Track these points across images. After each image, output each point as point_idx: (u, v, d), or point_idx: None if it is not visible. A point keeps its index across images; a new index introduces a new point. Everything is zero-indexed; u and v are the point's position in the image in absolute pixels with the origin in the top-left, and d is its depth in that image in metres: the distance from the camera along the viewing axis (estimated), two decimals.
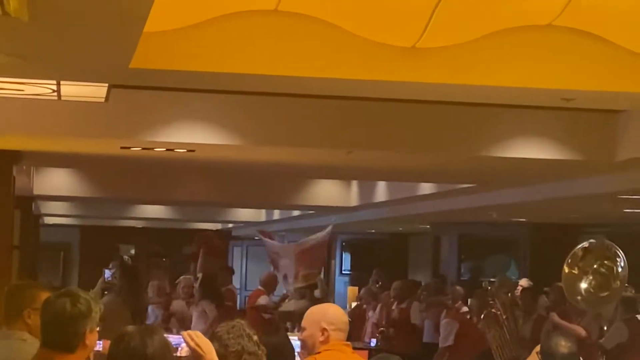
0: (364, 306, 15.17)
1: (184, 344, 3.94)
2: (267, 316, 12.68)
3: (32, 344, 4.31)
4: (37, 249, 16.92)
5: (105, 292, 11.65)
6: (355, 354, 5.00)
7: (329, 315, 5.03)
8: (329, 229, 14.55)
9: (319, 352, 4.95)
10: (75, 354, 4.03)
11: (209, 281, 12.66)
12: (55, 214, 20.04)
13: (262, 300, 12.96)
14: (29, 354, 4.14)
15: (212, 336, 4.09)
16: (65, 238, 25.98)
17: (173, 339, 4.03)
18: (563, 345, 5.41)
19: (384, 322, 13.88)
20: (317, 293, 13.82)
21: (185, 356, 4.01)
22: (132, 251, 26.77)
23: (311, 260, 14.22)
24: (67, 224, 24.32)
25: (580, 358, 5.48)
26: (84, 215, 20.95)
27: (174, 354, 3.68)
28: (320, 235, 14.59)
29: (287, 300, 13.78)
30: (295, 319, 12.89)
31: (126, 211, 19.59)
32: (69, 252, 26.60)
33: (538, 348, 5.50)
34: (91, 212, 19.97)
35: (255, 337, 4.15)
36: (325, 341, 4.92)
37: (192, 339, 3.90)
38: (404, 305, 13.57)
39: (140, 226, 24.65)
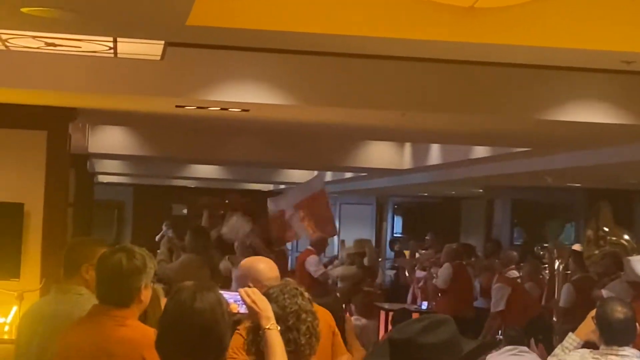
0: (415, 269, 15.16)
1: (240, 301, 3.93)
2: (317, 275, 12.69)
3: (89, 298, 4.36)
4: (91, 207, 17.04)
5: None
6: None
7: (255, 271, 4.95)
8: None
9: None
10: (130, 309, 4.08)
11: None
12: (110, 173, 20.19)
13: (311, 260, 12.98)
14: (86, 309, 4.18)
15: (267, 297, 4.06)
16: (120, 196, 26.20)
17: (230, 295, 4.02)
18: (619, 311, 5.35)
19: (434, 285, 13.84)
20: (365, 261, 13.80)
21: (241, 313, 3.98)
22: (185, 211, 26.92)
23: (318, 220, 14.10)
24: (122, 183, 24.51)
25: (637, 324, 5.41)
26: (138, 174, 21.09)
27: (229, 312, 3.68)
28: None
29: (335, 263, 13.80)
30: (340, 283, 12.95)
31: (179, 171, 19.70)
32: (122, 210, 26.83)
33: (593, 313, 5.45)
34: (145, 171, 20.11)
35: (307, 295, 4.14)
36: None
37: (249, 296, 3.91)
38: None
39: (192, 186, 24.76)
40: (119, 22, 5.18)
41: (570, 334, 5.54)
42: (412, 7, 5.30)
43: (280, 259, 13.00)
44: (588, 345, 5.49)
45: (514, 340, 8.13)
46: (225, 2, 5.10)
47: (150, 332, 4.07)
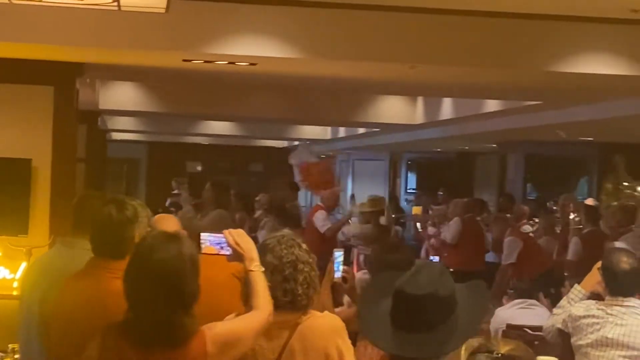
0: (428, 224, 15.11)
1: (225, 243, 3.92)
2: (323, 230, 12.63)
3: None
4: (104, 163, 17.07)
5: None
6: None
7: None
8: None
9: None
10: (126, 260, 4.05)
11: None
12: (123, 130, 20.19)
13: (319, 215, 12.92)
14: None
15: (263, 248, 4.05)
16: (134, 153, 26.22)
17: (215, 238, 4.01)
18: (624, 261, 5.32)
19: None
20: (382, 220, 13.70)
21: (224, 254, 3.95)
22: (199, 168, 26.96)
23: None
24: (135, 140, 24.53)
25: None
26: (150, 131, 21.09)
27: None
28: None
29: (350, 221, 13.70)
30: (355, 242, 12.89)
31: (193, 127, 19.68)
32: (136, 167, 26.86)
33: (599, 264, 5.42)
34: (158, 129, 20.11)
35: (304, 246, 4.12)
36: None
37: (232, 237, 3.90)
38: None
39: (206, 143, 24.75)
40: None
41: (575, 285, 5.53)
42: None
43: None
44: (594, 297, 5.46)
45: (524, 293, 8.12)
46: None
47: None
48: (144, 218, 4.10)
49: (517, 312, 7.89)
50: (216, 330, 3.59)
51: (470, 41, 7.66)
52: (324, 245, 12.30)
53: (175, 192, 18.39)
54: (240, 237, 3.93)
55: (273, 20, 7.45)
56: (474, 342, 2.89)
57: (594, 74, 7.83)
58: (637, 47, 7.70)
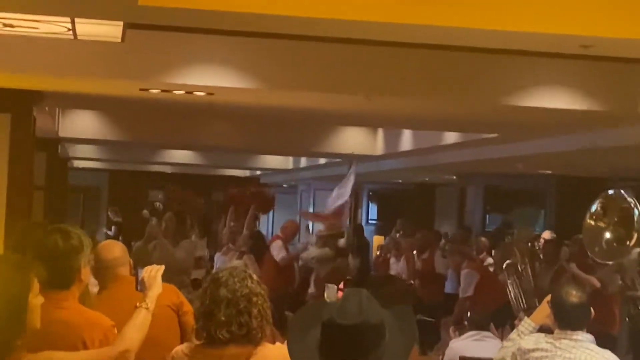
0: (388, 255, 15.16)
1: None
2: (279, 259, 12.65)
3: None
4: (64, 191, 16.97)
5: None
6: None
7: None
8: (351, 174, 14.37)
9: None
10: (70, 290, 4.03)
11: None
12: (84, 158, 20.10)
13: (275, 245, 12.93)
14: None
15: (216, 281, 4.04)
16: (95, 182, 26.07)
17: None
18: (573, 295, 5.36)
19: (406, 273, 13.89)
20: (341, 242, 13.75)
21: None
22: (160, 196, 26.84)
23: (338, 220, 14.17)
24: (96, 168, 24.40)
25: (591, 308, 5.42)
26: (112, 160, 21.00)
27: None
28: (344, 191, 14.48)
29: (309, 247, 13.74)
30: (314, 266, 12.92)
31: (155, 156, 19.64)
32: (98, 195, 26.70)
33: (549, 297, 5.46)
34: (120, 156, 20.03)
35: (255, 277, 4.12)
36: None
37: (148, 273, 4.24)
38: (425, 256, 13.58)
39: (169, 172, 24.68)
40: (73, 0, 5.13)
41: (525, 318, 5.56)
42: None
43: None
44: (543, 330, 5.50)
45: (478, 325, 8.14)
46: None
47: (90, 314, 4.06)
48: (87, 247, 4.09)
49: (471, 344, 7.91)
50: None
51: (425, 73, 7.73)
52: (280, 273, 12.36)
53: (116, 219, 18.46)
54: (155, 274, 4.18)
55: (230, 50, 7.48)
56: None
57: (547, 108, 7.92)
58: (589, 82, 7.80)
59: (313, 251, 13.01)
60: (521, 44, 6.30)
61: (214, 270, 12.30)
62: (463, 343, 7.92)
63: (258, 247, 12.86)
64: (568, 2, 5.37)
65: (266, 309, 4.07)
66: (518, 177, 16.91)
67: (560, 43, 6.03)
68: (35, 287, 3.51)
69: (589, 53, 6.07)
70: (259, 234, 13.66)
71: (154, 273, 4.18)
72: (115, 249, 5.08)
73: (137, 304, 4.06)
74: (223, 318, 3.94)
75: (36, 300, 3.50)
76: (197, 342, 4.07)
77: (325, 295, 7.01)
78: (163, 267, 4.21)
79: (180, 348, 4.14)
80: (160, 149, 18.62)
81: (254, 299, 4.02)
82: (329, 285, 7.42)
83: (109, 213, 17.68)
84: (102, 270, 5.00)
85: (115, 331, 4.10)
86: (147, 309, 4.08)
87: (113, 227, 20.65)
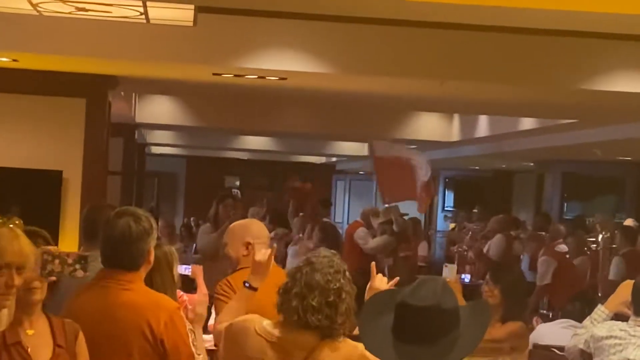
0: (463, 244, 15.04)
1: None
2: (366, 247, 12.57)
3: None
4: (141, 177, 17.13)
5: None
6: (274, 265, 5.13)
7: (252, 230, 5.48)
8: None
9: (237, 270, 5.37)
10: (138, 272, 4.04)
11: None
12: (161, 144, 20.25)
13: (360, 232, 12.86)
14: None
15: (312, 265, 3.95)
16: (172, 168, 26.26)
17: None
18: None
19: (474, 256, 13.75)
20: (394, 227, 13.54)
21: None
22: (237, 183, 26.98)
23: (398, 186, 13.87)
24: (174, 154, 24.58)
25: None
26: (189, 145, 21.14)
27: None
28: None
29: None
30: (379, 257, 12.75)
31: (231, 142, 19.71)
32: (175, 181, 26.90)
33: (624, 284, 5.33)
34: (196, 143, 20.14)
35: (348, 274, 4.04)
36: (249, 255, 5.27)
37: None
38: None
39: (245, 158, 24.78)
40: None
41: (599, 305, 5.44)
42: None
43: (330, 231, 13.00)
44: (618, 317, 5.37)
45: (570, 314, 8.04)
46: None
47: (156, 296, 4.05)
48: (155, 230, 4.09)
49: (558, 330, 7.77)
50: None
51: (501, 57, 7.60)
52: (364, 261, 12.24)
53: None
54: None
55: (303, 34, 7.44)
56: None
57: (628, 92, 7.74)
58: None
59: (373, 241, 12.75)
60: (601, 26, 6.16)
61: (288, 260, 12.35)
62: (550, 328, 7.81)
63: (328, 238, 12.72)
64: None
65: (351, 309, 3.99)
66: (597, 163, 16.63)
67: None
68: None
69: None
70: (327, 225, 13.50)
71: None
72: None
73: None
74: (314, 304, 3.88)
75: None
76: (280, 320, 3.98)
77: (444, 275, 7.00)
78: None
79: (257, 319, 4.04)
80: (236, 134, 18.67)
81: (344, 295, 3.95)
82: (449, 265, 7.46)
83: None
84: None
85: (181, 313, 4.08)
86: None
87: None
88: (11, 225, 3.48)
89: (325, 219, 13.78)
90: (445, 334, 3.02)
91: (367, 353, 3.69)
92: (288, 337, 3.92)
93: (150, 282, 4.19)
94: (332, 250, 4.14)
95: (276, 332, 3.94)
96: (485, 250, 13.67)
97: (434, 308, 3.03)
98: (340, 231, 17.75)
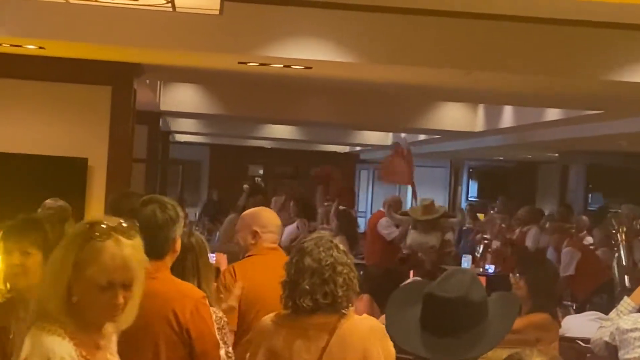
0: (486, 233, 15.00)
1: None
2: (391, 238, 12.56)
3: None
4: (165, 165, 17.18)
5: None
6: (280, 253, 5.35)
7: (260, 219, 5.53)
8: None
9: (245, 257, 5.46)
10: (163, 260, 4.05)
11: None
12: (184, 132, 20.29)
13: (383, 222, 12.85)
14: None
15: (301, 250, 4.07)
16: (196, 155, 26.31)
17: None
18: None
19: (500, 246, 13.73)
20: (448, 235, 13.39)
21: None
22: (261, 171, 27.01)
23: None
24: (197, 142, 24.64)
25: None
26: (213, 134, 21.17)
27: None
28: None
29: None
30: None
31: (255, 131, 19.72)
32: (198, 169, 26.96)
33: None
34: (220, 131, 20.16)
35: (342, 247, 4.13)
36: (256, 243, 5.41)
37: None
38: (525, 230, 13.41)
39: (269, 146, 24.80)
40: None
41: (625, 297, 5.43)
42: None
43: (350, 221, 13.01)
44: None
45: (597, 306, 8.04)
46: None
47: (182, 285, 4.06)
48: (182, 218, 4.10)
49: (586, 323, 7.76)
50: None
51: (527, 48, 7.57)
52: (388, 251, 12.23)
53: None
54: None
55: (329, 23, 7.43)
56: (503, 353, 2.85)
57: None
58: None
59: (416, 237, 12.50)
60: (628, 17, 6.14)
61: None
62: (578, 320, 7.79)
63: (344, 225, 12.69)
64: None
65: (352, 279, 4.10)
66: (621, 155, 16.56)
67: None
68: None
69: None
70: (343, 212, 13.47)
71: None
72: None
73: None
74: (307, 287, 3.99)
75: None
76: (285, 312, 4.09)
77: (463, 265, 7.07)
78: None
79: (269, 317, 4.16)
80: (260, 123, 18.68)
81: (339, 267, 4.05)
82: (466, 255, 7.48)
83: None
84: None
85: (207, 302, 4.10)
86: None
87: None
88: (118, 235, 3.02)
89: (342, 207, 13.77)
90: (472, 326, 3.03)
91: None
92: (303, 323, 4.01)
93: (181, 270, 4.21)
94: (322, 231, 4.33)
95: (285, 324, 4.02)
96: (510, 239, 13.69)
97: (461, 300, 3.04)
98: (364, 220, 17.81)
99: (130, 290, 3.02)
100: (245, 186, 17.95)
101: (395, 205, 13.42)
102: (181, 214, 4.08)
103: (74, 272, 2.94)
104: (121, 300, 2.99)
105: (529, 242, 13.29)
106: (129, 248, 3.00)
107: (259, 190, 14.35)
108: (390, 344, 4.04)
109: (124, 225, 3.03)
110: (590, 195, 18.50)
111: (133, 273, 3.00)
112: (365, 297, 7.37)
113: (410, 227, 12.10)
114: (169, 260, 4.07)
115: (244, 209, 11.00)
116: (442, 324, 3.05)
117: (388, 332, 3.20)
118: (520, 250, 13.03)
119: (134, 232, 3.06)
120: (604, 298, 8.30)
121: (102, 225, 2.99)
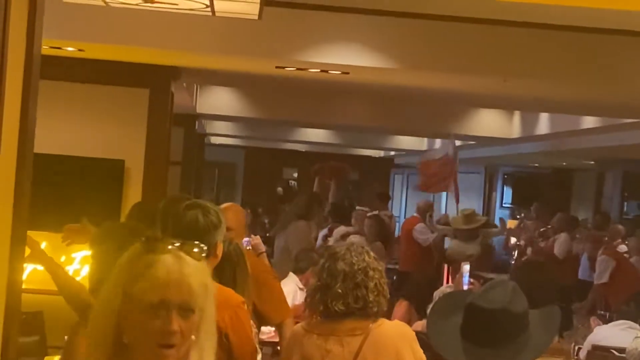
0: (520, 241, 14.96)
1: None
2: (427, 244, 12.54)
3: None
4: (200, 167, 17.25)
5: None
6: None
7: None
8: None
9: None
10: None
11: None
12: (220, 134, 20.38)
13: (419, 228, 12.85)
14: None
15: (333, 256, 4.08)
16: (231, 158, 26.40)
17: None
18: None
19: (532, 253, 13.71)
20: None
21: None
22: (295, 174, 27.06)
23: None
24: (233, 145, 24.72)
25: None
26: (248, 136, 21.24)
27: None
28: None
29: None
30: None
31: (290, 134, 19.78)
32: (233, 171, 27.04)
33: None
34: (255, 134, 20.24)
35: (372, 253, 4.16)
36: None
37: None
38: (557, 237, 13.37)
39: (303, 150, 24.84)
40: None
41: None
42: None
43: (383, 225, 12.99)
44: None
45: (626, 315, 7.97)
46: None
47: (221, 290, 4.07)
48: (224, 223, 4.11)
49: (617, 332, 7.72)
50: None
51: (565, 56, 7.55)
52: (424, 256, 12.21)
53: None
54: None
55: (366, 29, 7.45)
56: None
57: None
58: None
59: (456, 246, 12.39)
60: None
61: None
62: (609, 330, 7.74)
63: (376, 231, 12.67)
64: None
65: (383, 284, 4.14)
66: None
67: None
68: None
69: None
70: (375, 218, 13.44)
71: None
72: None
73: None
74: (339, 290, 4.02)
75: None
76: (316, 318, 4.11)
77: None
78: None
79: (300, 324, 4.19)
80: (295, 127, 18.73)
81: (371, 272, 4.09)
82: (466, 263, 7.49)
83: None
84: None
85: (245, 307, 4.12)
86: None
87: None
88: (180, 252, 2.42)
89: (373, 212, 13.78)
90: (513, 337, 3.05)
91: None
92: (334, 329, 4.03)
93: (220, 276, 4.22)
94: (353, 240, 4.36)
95: (317, 329, 4.05)
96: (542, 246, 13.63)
97: (503, 311, 3.05)
98: (397, 225, 17.79)
99: (190, 321, 2.36)
100: (279, 189, 18.05)
101: (428, 210, 13.45)
102: (223, 219, 4.09)
103: (123, 297, 2.33)
104: (176, 327, 2.32)
105: (557, 250, 13.22)
106: (192, 268, 2.40)
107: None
108: (420, 350, 4.07)
109: (190, 244, 2.43)
110: (625, 203, 18.38)
111: (195, 298, 2.37)
112: (404, 303, 7.40)
113: (450, 235, 12.17)
114: (210, 265, 4.07)
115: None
116: (483, 335, 3.07)
117: (429, 338, 3.22)
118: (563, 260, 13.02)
119: (201, 254, 2.46)
120: (631, 306, 8.22)
121: (161, 240, 2.41)
